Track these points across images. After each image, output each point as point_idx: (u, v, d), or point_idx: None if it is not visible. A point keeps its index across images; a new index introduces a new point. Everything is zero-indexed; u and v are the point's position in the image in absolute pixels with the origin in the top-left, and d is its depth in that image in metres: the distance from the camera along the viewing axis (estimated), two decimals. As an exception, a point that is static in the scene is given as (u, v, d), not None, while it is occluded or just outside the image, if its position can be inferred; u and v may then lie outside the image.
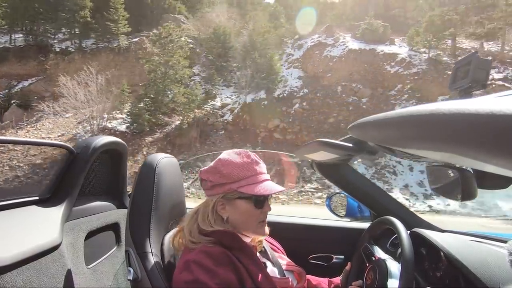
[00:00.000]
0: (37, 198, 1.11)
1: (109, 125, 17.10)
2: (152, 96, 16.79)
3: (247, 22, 21.63)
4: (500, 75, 14.69)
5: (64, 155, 1.18)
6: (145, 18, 25.11)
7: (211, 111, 17.47)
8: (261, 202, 0.88)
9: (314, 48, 19.69)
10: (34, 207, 1.06)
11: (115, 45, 21.83)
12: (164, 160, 0.98)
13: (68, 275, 0.98)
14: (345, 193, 1.47)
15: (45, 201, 1.12)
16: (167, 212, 0.97)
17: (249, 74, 17.71)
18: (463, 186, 0.73)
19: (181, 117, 16.52)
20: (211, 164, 0.89)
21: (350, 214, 1.50)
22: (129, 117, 16.68)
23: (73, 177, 1.16)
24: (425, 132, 0.29)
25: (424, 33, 16.90)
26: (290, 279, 0.94)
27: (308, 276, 1.10)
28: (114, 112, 17.99)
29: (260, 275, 0.82)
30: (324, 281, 1.15)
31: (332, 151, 1.04)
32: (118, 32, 21.36)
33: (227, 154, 0.89)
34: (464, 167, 0.74)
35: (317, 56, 19.14)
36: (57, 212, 1.07)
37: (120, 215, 1.40)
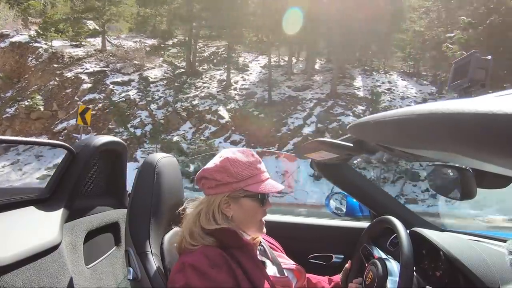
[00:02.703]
0: (37, 198, 1.11)
1: None
2: None
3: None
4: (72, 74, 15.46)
5: (64, 154, 1.18)
6: None
7: None
8: (265, 200, 0.90)
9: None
10: (33, 207, 1.06)
11: None
12: (164, 160, 0.98)
13: (68, 275, 0.98)
14: (345, 193, 1.47)
15: (45, 201, 1.12)
16: (167, 212, 0.97)
17: None
18: (462, 186, 0.73)
19: None
20: (216, 162, 0.88)
21: (350, 213, 1.50)
22: None
23: (72, 177, 1.16)
24: (425, 132, 0.29)
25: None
26: (289, 277, 0.94)
27: (308, 275, 1.10)
28: None
29: (258, 274, 0.82)
30: (324, 279, 1.15)
31: (332, 151, 1.04)
32: None
33: (232, 153, 0.89)
34: (463, 167, 0.74)
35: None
36: (56, 212, 1.07)
37: (119, 215, 1.40)
